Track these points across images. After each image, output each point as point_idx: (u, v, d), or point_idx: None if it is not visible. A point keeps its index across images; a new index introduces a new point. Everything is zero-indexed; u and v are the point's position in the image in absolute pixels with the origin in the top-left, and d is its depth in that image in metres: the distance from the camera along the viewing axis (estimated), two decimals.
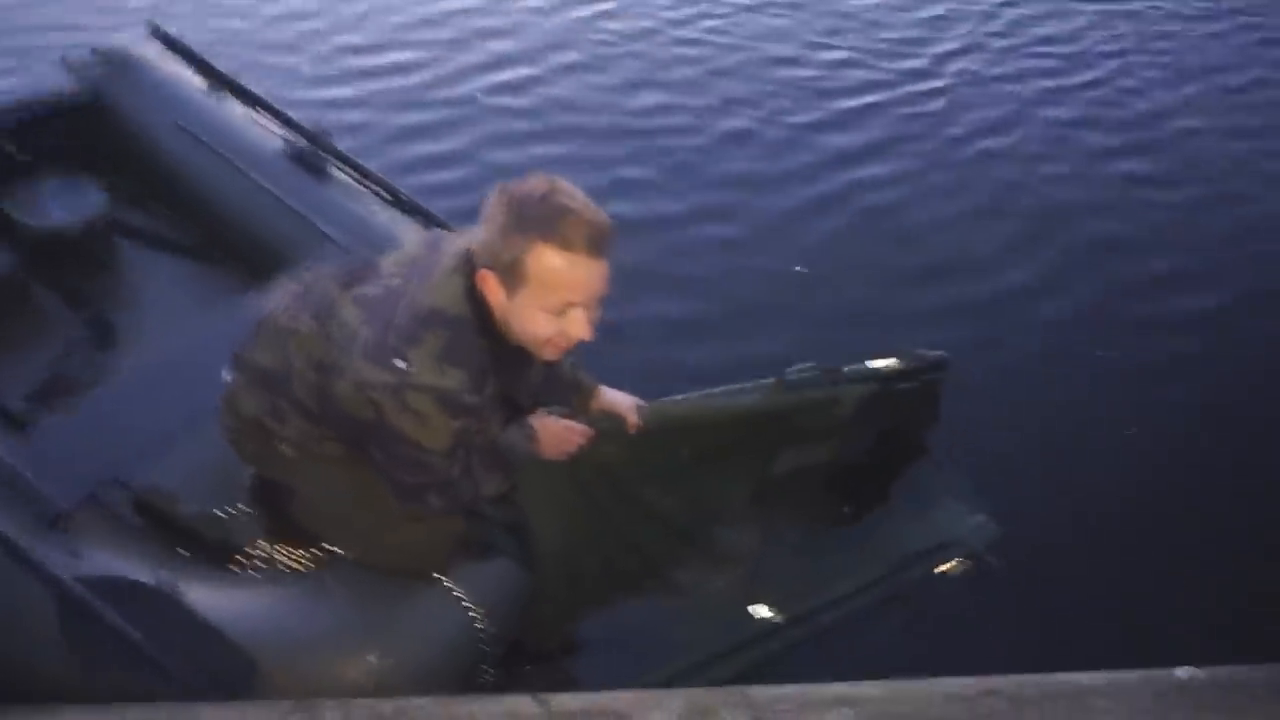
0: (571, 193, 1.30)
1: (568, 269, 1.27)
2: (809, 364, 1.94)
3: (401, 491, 1.47)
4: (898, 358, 2.00)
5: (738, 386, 1.93)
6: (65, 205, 2.33)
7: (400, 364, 1.31)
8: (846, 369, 1.96)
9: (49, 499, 1.56)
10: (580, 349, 1.38)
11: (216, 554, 1.63)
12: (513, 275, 1.29)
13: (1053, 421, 2.62)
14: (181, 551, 1.62)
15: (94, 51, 2.55)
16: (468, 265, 1.35)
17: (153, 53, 2.52)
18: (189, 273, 2.39)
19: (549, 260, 1.27)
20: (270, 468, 1.60)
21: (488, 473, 1.52)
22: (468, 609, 1.54)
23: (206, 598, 1.47)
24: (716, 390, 1.93)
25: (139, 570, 1.48)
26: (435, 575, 1.56)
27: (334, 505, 1.56)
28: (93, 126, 2.49)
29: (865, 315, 2.98)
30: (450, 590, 1.55)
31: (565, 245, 1.26)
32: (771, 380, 1.93)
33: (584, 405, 1.75)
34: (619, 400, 1.79)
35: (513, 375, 1.46)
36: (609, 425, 1.74)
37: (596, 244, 1.28)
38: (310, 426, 1.49)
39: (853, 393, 1.95)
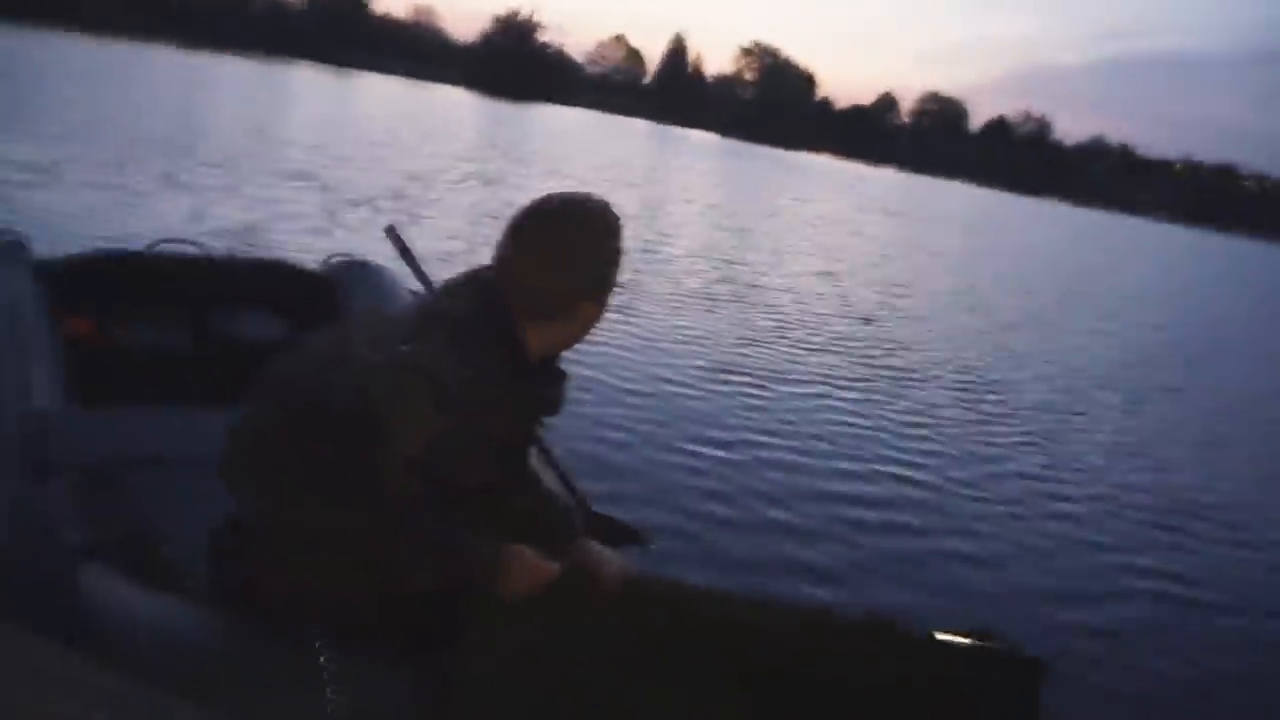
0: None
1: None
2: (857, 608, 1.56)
3: (332, 496, 1.28)
4: (975, 638, 1.55)
5: (758, 597, 1.59)
6: (256, 328, 2.94)
7: (403, 348, 1.29)
8: (899, 626, 1.54)
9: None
10: None
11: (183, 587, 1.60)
12: (606, 285, 1.44)
13: None
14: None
15: (342, 254, 3.34)
16: (482, 274, 1.41)
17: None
18: None
19: (619, 258, 1.47)
20: (241, 495, 1.54)
21: (419, 554, 1.31)
22: (326, 693, 1.33)
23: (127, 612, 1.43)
24: (733, 592, 1.60)
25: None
26: (318, 641, 1.38)
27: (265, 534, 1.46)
28: (310, 290, 3.15)
29: None
30: (323, 663, 1.36)
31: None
32: (800, 605, 1.58)
33: (564, 549, 1.53)
34: (603, 558, 1.54)
35: (528, 405, 1.45)
36: (582, 582, 1.49)
37: None
38: (284, 436, 1.35)
39: (901, 661, 1.52)
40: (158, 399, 2.41)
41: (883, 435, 5.09)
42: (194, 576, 1.62)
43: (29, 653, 1.24)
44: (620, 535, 2.11)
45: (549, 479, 2.09)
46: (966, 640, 1.55)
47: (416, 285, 2.82)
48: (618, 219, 1.43)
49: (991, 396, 6.54)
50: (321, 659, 1.37)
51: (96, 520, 1.70)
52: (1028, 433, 5.74)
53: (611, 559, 1.51)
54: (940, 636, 1.55)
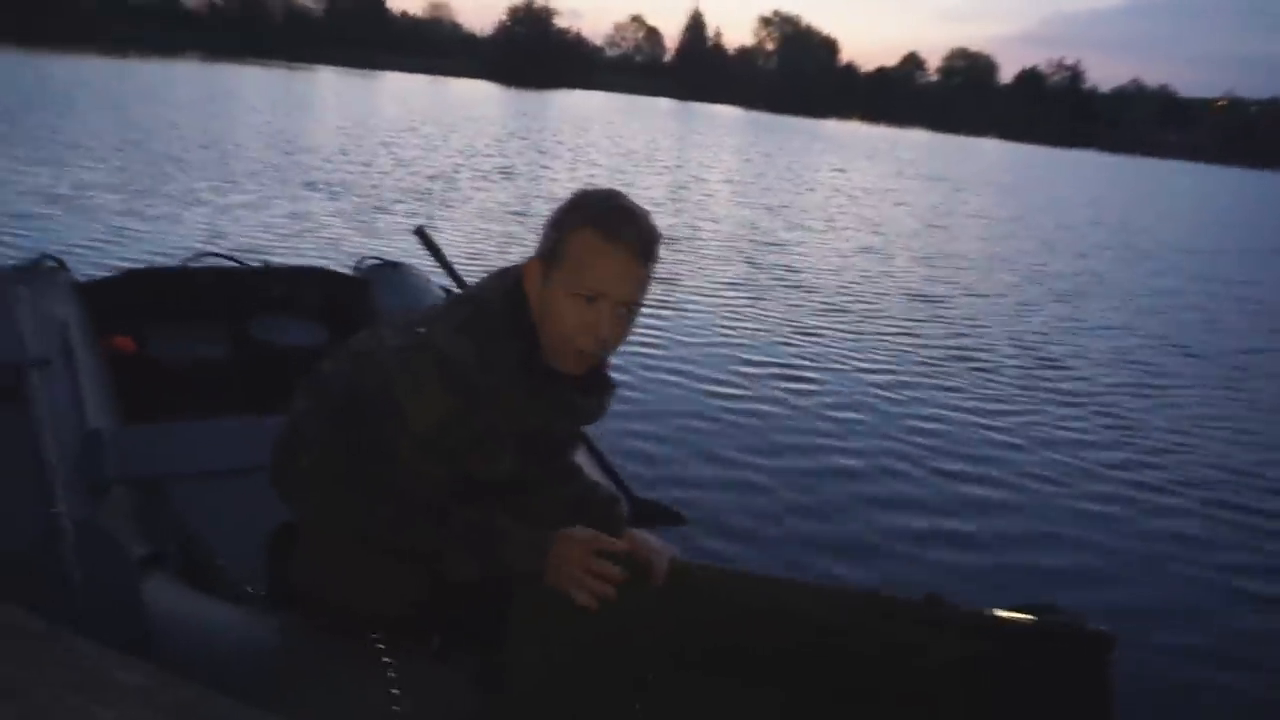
0: (631, 200, 1.33)
1: (605, 252, 1.28)
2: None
3: (358, 484, 1.31)
4: (1039, 614, 1.50)
5: (810, 581, 1.56)
6: (292, 335, 2.93)
7: (420, 330, 1.33)
8: (957, 604, 1.50)
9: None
10: None
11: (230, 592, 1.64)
12: (553, 256, 1.31)
13: None
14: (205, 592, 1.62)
15: (374, 258, 3.39)
16: (513, 269, 1.39)
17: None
18: None
19: (589, 240, 1.28)
20: (288, 499, 1.56)
21: (462, 545, 1.32)
22: (389, 692, 1.34)
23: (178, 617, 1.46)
24: (786, 578, 1.57)
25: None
26: (377, 642, 1.39)
27: (317, 537, 1.47)
28: (345, 295, 3.19)
29: None
30: (384, 663, 1.37)
31: (609, 233, 1.28)
32: (854, 589, 1.54)
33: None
34: (652, 546, 1.53)
35: (542, 405, 1.37)
36: (632, 571, 1.48)
37: (640, 243, 1.30)
38: (323, 434, 1.37)
39: (961, 642, 1.48)
40: (200, 410, 2.44)
41: (949, 423, 4.87)
42: (250, 582, 1.64)
43: (98, 663, 1.27)
44: (665, 519, 2.10)
45: (591, 468, 2.08)
46: (1029, 615, 1.51)
47: (448, 284, 2.84)
48: (592, 199, 1.33)
49: (1062, 373, 6.22)
50: (383, 659, 1.39)
51: (151, 532, 1.73)
52: (1105, 413, 5.41)
53: (661, 547, 1.50)
54: (1001, 613, 1.51)
